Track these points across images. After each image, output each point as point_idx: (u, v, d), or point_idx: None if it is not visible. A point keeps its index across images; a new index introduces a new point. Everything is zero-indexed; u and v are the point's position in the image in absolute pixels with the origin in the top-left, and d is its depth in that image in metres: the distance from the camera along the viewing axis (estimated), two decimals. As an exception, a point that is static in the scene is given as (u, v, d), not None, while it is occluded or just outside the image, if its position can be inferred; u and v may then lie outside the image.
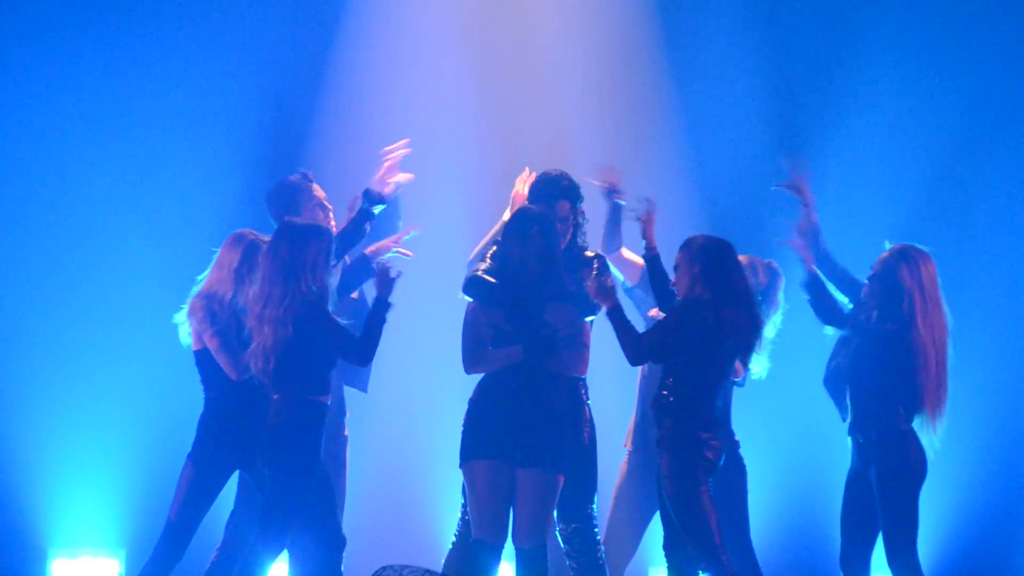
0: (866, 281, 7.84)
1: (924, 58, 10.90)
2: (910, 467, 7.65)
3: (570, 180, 7.80)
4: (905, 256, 7.75)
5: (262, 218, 8.35)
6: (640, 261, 8.03)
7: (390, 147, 8.33)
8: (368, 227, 8.05)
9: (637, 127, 11.01)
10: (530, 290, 7.30)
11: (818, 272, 7.92)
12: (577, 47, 10.94)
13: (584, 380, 7.59)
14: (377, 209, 8.01)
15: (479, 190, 10.26)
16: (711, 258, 7.13)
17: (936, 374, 7.63)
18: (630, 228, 7.86)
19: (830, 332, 7.94)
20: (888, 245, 7.83)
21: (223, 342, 7.57)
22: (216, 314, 7.60)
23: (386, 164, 8.25)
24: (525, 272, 7.28)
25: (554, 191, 7.72)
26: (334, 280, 7.32)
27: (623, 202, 8.08)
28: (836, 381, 7.90)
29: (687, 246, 7.20)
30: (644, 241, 7.48)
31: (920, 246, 7.82)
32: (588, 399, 7.62)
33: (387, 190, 8.22)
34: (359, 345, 7.23)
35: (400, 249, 8.22)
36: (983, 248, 10.84)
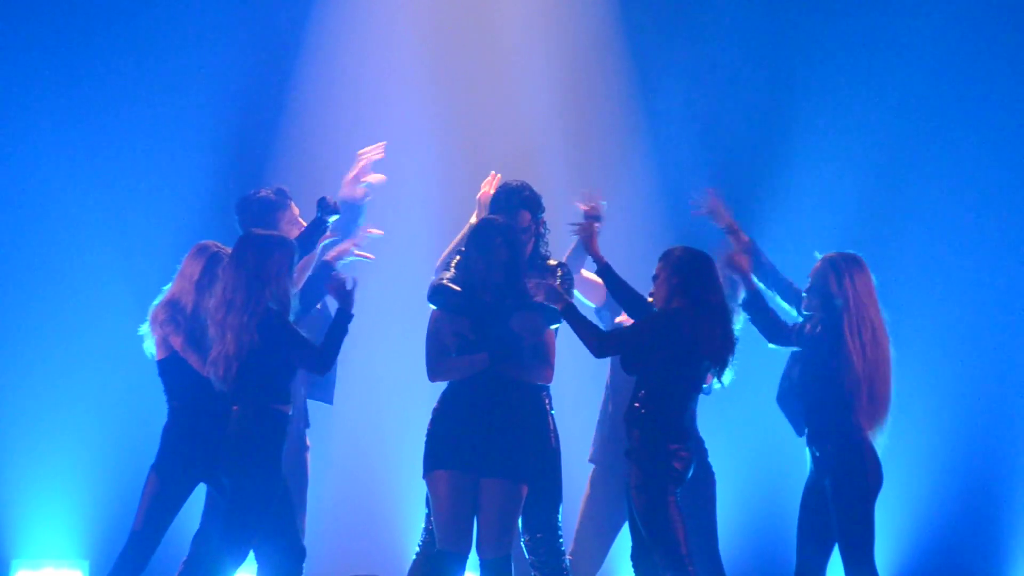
0: (805, 294, 7.82)
1: (867, 61, 10.99)
2: (864, 478, 7.60)
3: (531, 191, 7.82)
4: (833, 265, 7.71)
5: (230, 228, 8.29)
6: (601, 281, 7.90)
7: (366, 148, 8.34)
8: (322, 240, 8.01)
9: (607, 132, 11.06)
10: (495, 300, 7.31)
11: (757, 289, 7.84)
12: (545, 50, 10.97)
13: (548, 389, 7.59)
14: (332, 219, 7.94)
15: (445, 195, 10.33)
16: (690, 270, 7.13)
17: (867, 383, 7.58)
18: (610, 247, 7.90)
19: (774, 347, 7.87)
20: (819, 256, 7.79)
21: (188, 340, 7.57)
22: (179, 321, 7.61)
23: (359, 164, 8.27)
24: (490, 282, 7.29)
25: (515, 201, 7.75)
26: (295, 290, 7.32)
27: (598, 224, 7.87)
28: (788, 397, 7.83)
29: (666, 257, 7.21)
30: (590, 255, 7.50)
31: (851, 252, 7.80)
32: (552, 408, 7.61)
33: (359, 191, 8.23)
34: (319, 355, 7.21)
35: (359, 251, 8.17)
36: (929, 251, 10.87)
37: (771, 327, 7.78)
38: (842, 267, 7.71)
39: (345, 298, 7.26)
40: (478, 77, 10.91)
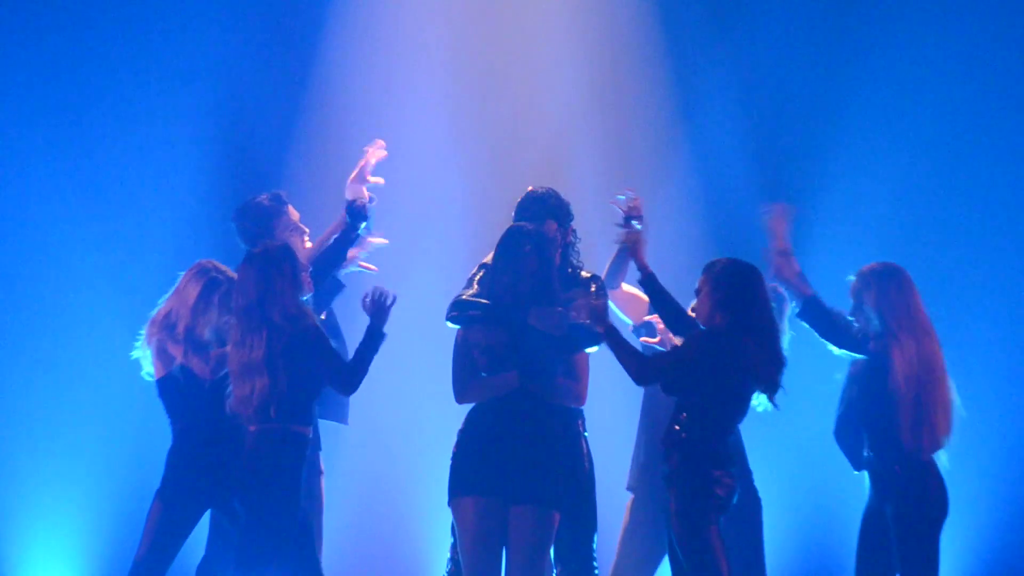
0: (850, 317, 7.70)
1: (922, 61, 10.93)
2: (929, 503, 7.47)
3: (557, 198, 7.70)
4: (870, 278, 7.62)
5: (228, 236, 8.28)
6: (643, 296, 7.79)
7: (368, 147, 8.25)
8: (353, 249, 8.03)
9: (642, 136, 10.93)
10: (524, 313, 7.19)
11: (813, 294, 7.69)
12: (575, 47, 10.85)
13: (581, 411, 7.46)
14: (362, 226, 7.96)
15: (470, 203, 10.27)
16: (735, 284, 6.93)
17: (922, 400, 7.46)
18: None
19: (844, 354, 7.72)
20: (852, 278, 7.70)
21: (189, 347, 7.52)
22: (176, 334, 7.56)
23: (361, 162, 8.16)
24: (518, 295, 7.17)
25: (541, 210, 7.62)
26: (308, 295, 7.29)
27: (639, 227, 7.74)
28: (845, 428, 7.70)
29: (709, 269, 7.02)
30: (635, 264, 7.34)
31: (889, 262, 7.71)
32: (585, 431, 7.49)
33: (364, 194, 8.11)
34: (347, 373, 7.16)
35: (363, 263, 8.16)
36: (981, 255, 10.79)
37: (836, 330, 7.67)
38: (879, 278, 7.61)
39: (381, 315, 7.17)
40: (503, 76, 10.82)
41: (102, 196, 10.42)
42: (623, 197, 7.60)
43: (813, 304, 7.70)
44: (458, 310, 7.27)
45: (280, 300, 7.10)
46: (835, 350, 7.69)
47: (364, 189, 8.13)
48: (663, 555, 7.69)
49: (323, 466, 8.18)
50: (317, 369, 7.13)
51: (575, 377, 7.25)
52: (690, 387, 6.94)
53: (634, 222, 7.56)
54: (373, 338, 7.20)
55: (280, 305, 7.09)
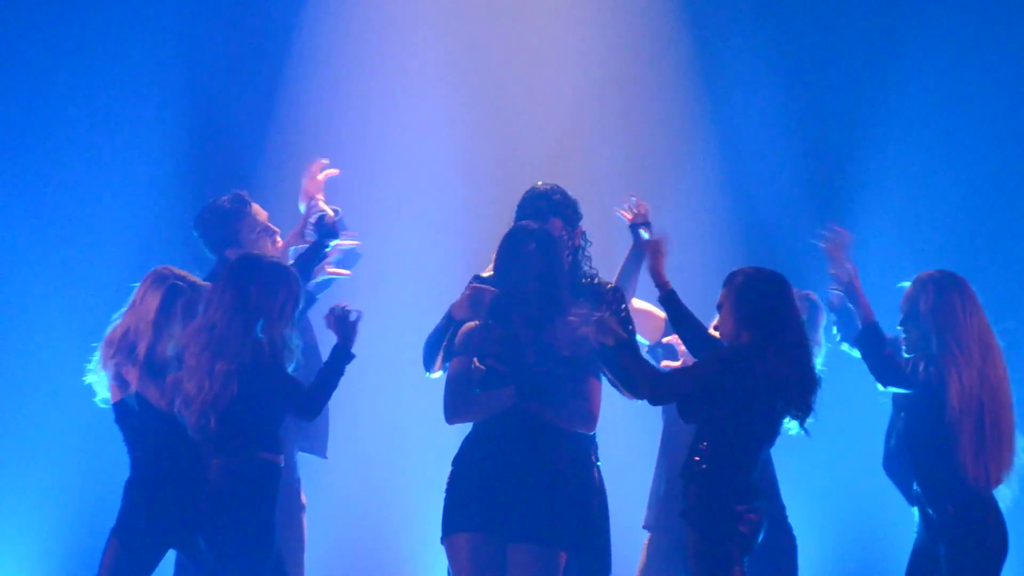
0: (900, 327, 7.51)
1: (965, 65, 10.71)
2: (987, 543, 7.24)
3: (563, 194, 7.44)
4: (926, 286, 7.40)
5: (190, 244, 8.21)
6: (659, 313, 7.82)
7: (314, 164, 8.16)
8: (319, 268, 7.93)
9: (661, 128, 10.72)
10: (526, 321, 6.89)
11: (875, 322, 7.47)
12: (578, 40, 10.68)
13: (594, 438, 7.13)
14: (332, 244, 7.82)
15: (471, 206, 10.07)
16: (760, 297, 6.72)
17: (983, 425, 7.23)
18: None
19: (891, 390, 7.53)
20: (906, 285, 7.52)
21: (146, 371, 7.21)
22: (134, 356, 7.27)
23: (305, 180, 8.07)
24: (522, 299, 6.89)
25: (544, 207, 7.37)
26: (298, 340, 7.15)
27: (648, 236, 7.72)
28: (896, 458, 7.50)
29: (731, 282, 6.81)
30: (653, 279, 7.13)
31: (947, 270, 7.50)
32: (598, 460, 7.16)
33: (327, 210, 7.98)
34: (306, 398, 7.02)
35: (332, 268, 8.00)
36: None
37: (885, 367, 7.42)
38: (938, 288, 7.37)
39: (347, 333, 7.05)
40: (508, 69, 10.64)
41: (53, 201, 10.35)
42: (629, 206, 7.56)
43: (873, 333, 7.49)
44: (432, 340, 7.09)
45: (279, 317, 6.99)
46: (879, 386, 7.49)
47: (321, 203, 8.01)
48: (684, 599, 7.39)
49: (305, 500, 8.09)
50: (273, 393, 6.99)
51: (584, 397, 6.95)
52: (711, 412, 6.73)
53: (641, 231, 7.54)
54: (338, 359, 7.06)
55: (278, 321, 6.98)
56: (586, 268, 7.34)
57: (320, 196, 8.01)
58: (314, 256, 7.76)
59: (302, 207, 8.03)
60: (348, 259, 8.08)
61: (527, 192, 7.46)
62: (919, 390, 7.31)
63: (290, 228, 8.11)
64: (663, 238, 7.14)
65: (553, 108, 10.60)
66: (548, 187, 7.43)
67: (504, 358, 6.86)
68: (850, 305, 7.59)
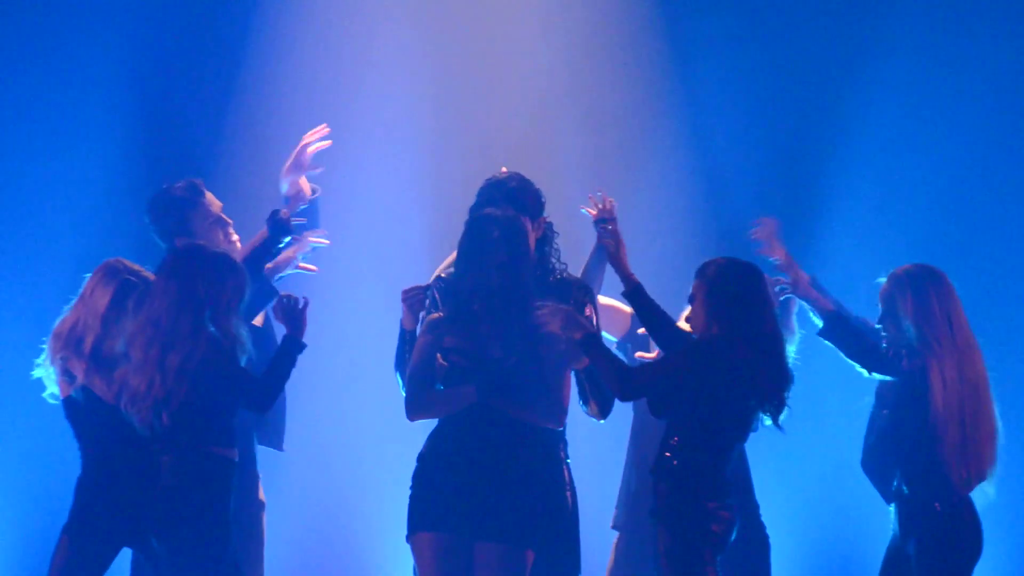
0: (878, 325, 7.49)
1: (939, 61, 10.71)
2: (958, 543, 7.19)
3: (522, 181, 7.26)
4: (903, 282, 7.35)
5: (141, 234, 8.09)
6: (625, 308, 7.88)
7: (309, 133, 8.10)
8: (271, 263, 7.82)
9: (623, 129, 10.71)
10: (488, 313, 6.76)
11: (835, 310, 7.53)
12: (547, 32, 10.64)
13: (563, 435, 7.04)
14: (284, 242, 7.73)
15: (439, 200, 9.99)
16: (732, 288, 6.65)
17: (962, 423, 7.18)
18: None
19: (876, 376, 7.46)
20: (883, 280, 7.48)
21: (93, 365, 7.14)
22: (81, 349, 7.20)
23: (296, 151, 8.01)
24: (483, 290, 6.76)
25: (500, 197, 7.16)
26: (245, 329, 7.08)
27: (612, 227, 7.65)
28: (874, 456, 7.49)
29: (703, 272, 6.74)
30: (618, 273, 7.09)
31: (924, 264, 7.46)
32: (568, 458, 7.05)
33: (305, 188, 7.98)
34: (259, 389, 6.96)
35: (302, 264, 7.88)
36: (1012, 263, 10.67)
37: (866, 352, 7.38)
38: (915, 283, 7.30)
39: (296, 323, 7.00)
40: (475, 58, 10.59)
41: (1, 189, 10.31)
42: (594, 202, 7.47)
43: (836, 321, 7.51)
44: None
45: (227, 309, 6.93)
46: (864, 373, 7.43)
47: (303, 180, 8.00)
48: (654, 599, 7.37)
49: (264, 497, 7.97)
50: (225, 386, 6.92)
51: (550, 392, 6.81)
52: (681, 406, 6.66)
53: (608, 226, 7.39)
54: (289, 350, 7.00)
55: (225, 313, 6.92)
56: (554, 262, 7.21)
57: (302, 176, 8.00)
58: (266, 252, 7.69)
59: (283, 185, 8.01)
60: (311, 251, 8.08)
61: (484, 182, 7.33)
62: (903, 380, 7.28)
63: (243, 221, 8.04)
64: (616, 230, 7.13)
65: (522, 102, 10.57)
66: (505, 175, 7.30)
67: (467, 352, 6.78)
68: (802, 302, 7.63)
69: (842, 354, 7.45)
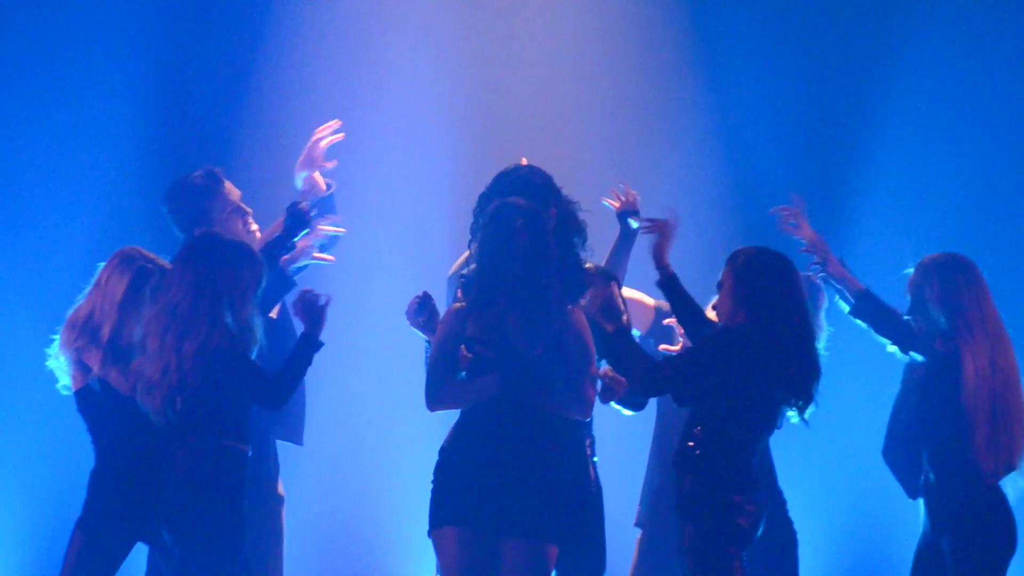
0: (907, 316, 7.51)
1: (967, 51, 10.69)
2: (993, 537, 7.18)
3: (540, 174, 7.19)
4: (931, 271, 7.39)
5: (159, 221, 8.06)
6: (648, 301, 7.90)
7: (322, 128, 8.11)
8: (286, 257, 7.79)
9: (648, 121, 10.67)
10: (510, 303, 6.70)
11: (866, 289, 7.54)
12: (570, 23, 10.63)
13: (590, 429, 7.02)
14: (301, 234, 7.69)
15: (457, 193, 9.73)
16: (761, 277, 6.63)
17: (993, 413, 7.17)
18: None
19: (905, 357, 7.46)
20: (911, 271, 7.51)
21: (108, 355, 7.12)
22: (97, 338, 7.17)
23: (309, 144, 8.03)
24: (506, 279, 6.70)
25: (509, 187, 7.09)
26: (259, 319, 7.08)
27: (637, 224, 7.63)
28: (896, 448, 7.47)
29: (732, 261, 6.73)
30: (656, 261, 7.07)
31: (952, 253, 7.51)
32: (595, 456, 7.05)
33: (319, 182, 8.02)
34: (272, 387, 6.92)
35: (319, 254, 7.81)
36: None
37: (899, 329, 7.39)
38: (943, 271, 7.34)
39: (315, 320, 6.98)
40: (496, 48, 10.60)
41: (14, 181, 10.24)
42: (617, 195, 7.54)
43: (867, 299, 7.51)
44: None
45: (243, 298, 6.91)
46: (897, 352, 7.45)
47: (317, 176, 8.01)
48: (678, 596, 7.40)
49: (283, 491, 7.95)
50: (237, 379, 6.91)
51: (576, 382, 6.76)
52: (704, 394, 6.63)
53: (630, 220, 7.49)
54: (307, 347, 6.99)
55: (241, 303, 6.91)
56: (579, 252, 7.12)
57: (316, 171, 8.03)
58: (283, 245, 7.65)
59: (298, 181, 8.02)
60: (328, 242, 8.04)
61: (498, 173, 7.27)
62: (934, 363, 7.29)
63: (258, 213, 8.03)
64: (672, 220, 7.01)
65: (543, 94, 10.57)
66: (515, 166, 7.26)
67: (491, 343, 6.72)
68: (834, 283, 7.64)
69: (873, 332, 7.45)
